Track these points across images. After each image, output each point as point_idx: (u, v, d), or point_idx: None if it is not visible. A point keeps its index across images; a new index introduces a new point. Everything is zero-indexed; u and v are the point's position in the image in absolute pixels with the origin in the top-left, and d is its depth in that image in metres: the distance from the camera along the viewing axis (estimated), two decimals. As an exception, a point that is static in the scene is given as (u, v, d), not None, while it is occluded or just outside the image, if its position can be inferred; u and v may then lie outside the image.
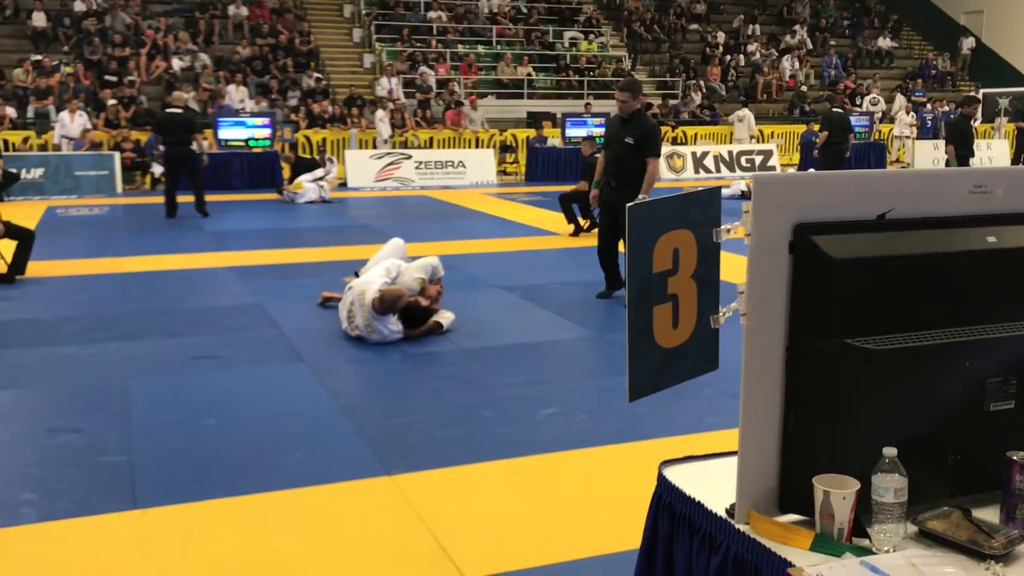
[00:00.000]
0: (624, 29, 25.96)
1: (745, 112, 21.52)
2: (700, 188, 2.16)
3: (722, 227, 2.07)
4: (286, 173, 16.17)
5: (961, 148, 12.64)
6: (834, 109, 15.19)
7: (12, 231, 8.49)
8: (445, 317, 6.75)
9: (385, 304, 6.34)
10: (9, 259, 8.50)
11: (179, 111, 13.06)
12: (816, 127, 17.20)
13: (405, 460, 4.36)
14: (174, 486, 4.06)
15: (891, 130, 23.18)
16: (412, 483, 4.11)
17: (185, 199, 13.14)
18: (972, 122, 13.35)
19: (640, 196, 7.12)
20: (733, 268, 2.00)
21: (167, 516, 3.79)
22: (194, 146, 13.14)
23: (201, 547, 3.55)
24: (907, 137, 22.18)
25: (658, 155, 7.48)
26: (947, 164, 12.84)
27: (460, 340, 6.56)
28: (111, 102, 17.98)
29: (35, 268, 8.81)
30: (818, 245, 1.87)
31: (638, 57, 25.33)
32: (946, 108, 22.41)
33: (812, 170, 15.22)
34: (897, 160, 22.36)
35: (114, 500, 3.92)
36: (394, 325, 6.39)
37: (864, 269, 1.88)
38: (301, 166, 15.91)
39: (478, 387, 5.55)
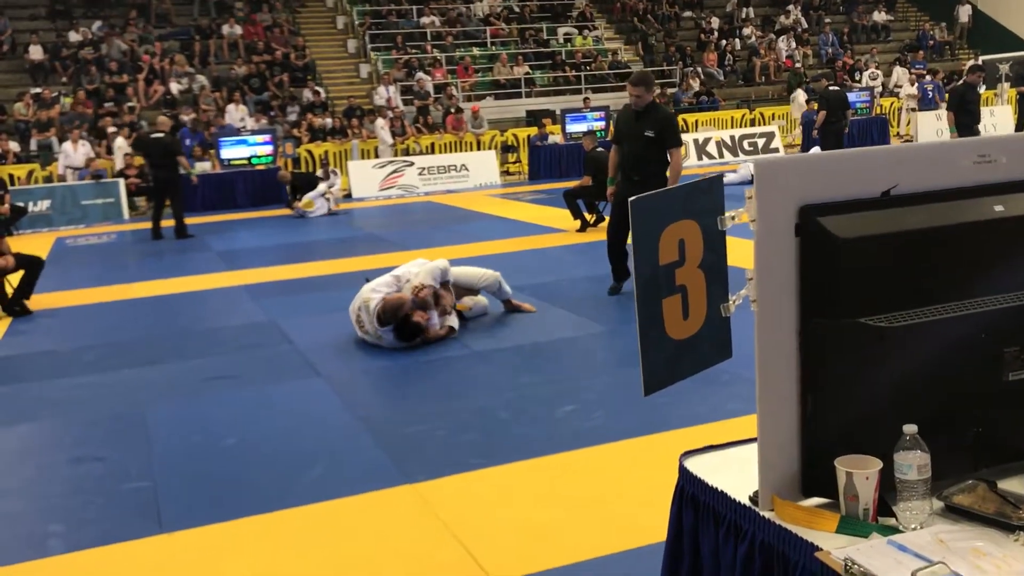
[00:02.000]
0: (638, 41, 25.80)
1: (797, 92, 22.10)
2: (706, 175, 2.15)
3: (726, 214, 2.06)
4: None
5: (962, 115, 12.57)
6: (830, 87, 15.11)
7: (21, 261, 8.54)
8: (454, 320, 6.76)
9: (387, 314, 6.35)
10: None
11: (161, 135, 13.27)
12: (815, 106, 17.15)
13: (425, 468, 4.35)
14: (198, 508, 4.07)
15: (892, 103, 23.06)
16: (434, 490, 4.11)
17: (193, 220, 13.26)
18: (977, 89, 13.26)
19: None
20: (743, 252, 1.99)
21: (193, 538, 3.80)
22: (181, 170, 13.45)
23: (229, 567, 3.56)
24: (912, 109, 22.09)
25: (680, 144, 7.42)
26: (950, 132, 12.83)
27: (473, 342, 6.56)
28: (111, 129, 18.05)
29: (48, 299, 8.86)
30: (824, 226, 1.86)
31: (646, 56, 25.19)
32: (941, 76, 22.31)
33: (817, 148, 15.15)
34: (899, 134, 22.24)
35: (140, 526, 3.93)
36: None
37: (872, 247, 1.87)
38: (300, 182, 15.73)
39: (494, 389, 5.55)
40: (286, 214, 15.21)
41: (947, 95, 15.85)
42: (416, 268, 6.77)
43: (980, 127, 13.08)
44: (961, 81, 14.04)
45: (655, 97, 7.59)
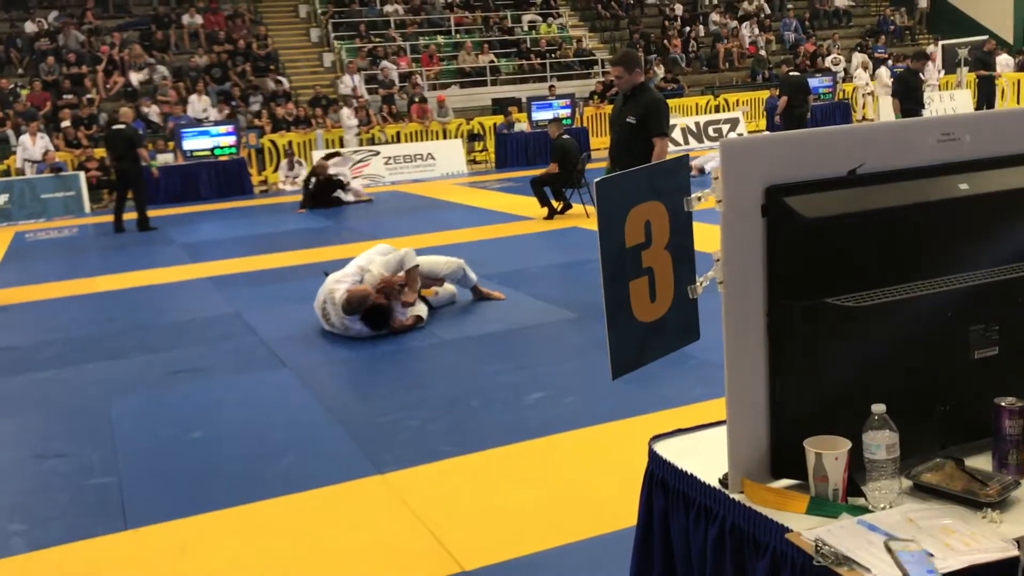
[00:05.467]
0: (602, 28, 25.75)
1: (881, 70, 22.22)
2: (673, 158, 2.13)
3: (693, 195, 2.04)
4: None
5: (907, 102, 12.65)
6: (790, 73, 15.20)
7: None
8: (421, 308, 6.72)
9: (352, 305, 6.31)
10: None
11: (122, 127, 13.11)
12: (777, 92, 17.23)
13: (396, 457, 4.33)
14: (164, 503, 4.02)
15: (854, 88, 23.24)
16: (405, 480, 4.08)
17: (156, 213, 13.07)
18: (920, 75, 13.36)
19: None
20: (708, 238, 1.98)
21: (160, 534, 3.75)
22: (142, 162, 13.29)
23: (196, 562, 3.51)
24: (869, 94, 22.25)
25: (665, 133, 6.51)
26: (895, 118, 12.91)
27: (442, 331, 6.53)
28: (65, 123, 17.71)
29: (9, 295, 8.70)
30: (790, 206, 1.85)
31: (610, 44, 25.16)
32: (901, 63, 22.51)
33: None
34: (863, 118, 22.41)
35: (104, 522, 3.86)
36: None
37: (838, 226, 1.86)
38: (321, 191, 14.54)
39: (464, 377, 5.52)
40: (250, 204, 14.98)
41: (893, 81, 15.95)
42: (378, 256, 6.71)
43: (927, 112, 13.17)
44: (906, 67, 14.11)
45: (642, 79, 6.68)
